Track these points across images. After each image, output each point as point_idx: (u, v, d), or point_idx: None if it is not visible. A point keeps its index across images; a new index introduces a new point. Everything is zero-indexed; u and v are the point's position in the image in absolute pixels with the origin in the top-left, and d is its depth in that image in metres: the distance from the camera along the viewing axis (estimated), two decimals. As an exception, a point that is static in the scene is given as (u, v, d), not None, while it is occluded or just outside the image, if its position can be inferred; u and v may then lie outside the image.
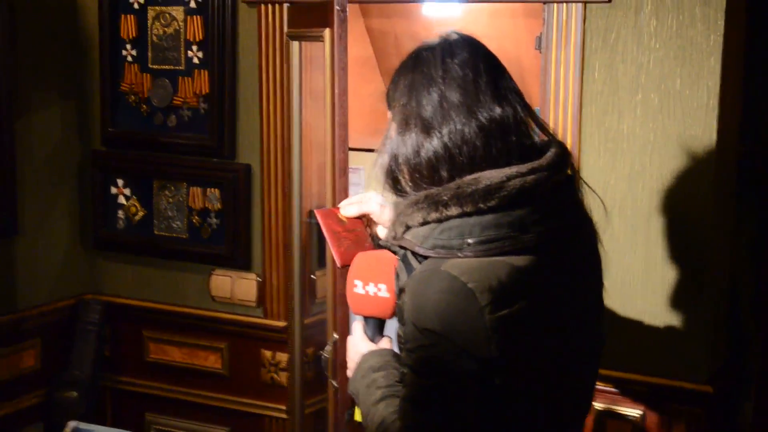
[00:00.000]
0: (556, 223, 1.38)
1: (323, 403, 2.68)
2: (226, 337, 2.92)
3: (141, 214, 3.01)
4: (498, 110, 1.35)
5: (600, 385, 2.27)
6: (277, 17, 2.72)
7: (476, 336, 1.29)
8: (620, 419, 2.35)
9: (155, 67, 2.91)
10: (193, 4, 2.83)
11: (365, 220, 1.73)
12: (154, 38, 2.90)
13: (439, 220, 1.35)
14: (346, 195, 2.25)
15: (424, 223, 1.36)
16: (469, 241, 1.32)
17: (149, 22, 2.90)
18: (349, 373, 1.55)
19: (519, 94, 1.41)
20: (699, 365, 2.27)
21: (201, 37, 2.82)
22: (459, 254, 1.32)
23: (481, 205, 1.32)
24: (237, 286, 2.87)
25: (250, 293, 2.86)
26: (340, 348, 2.19)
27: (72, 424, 2.46)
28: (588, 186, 1.49)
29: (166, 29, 2.88)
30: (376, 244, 1.69)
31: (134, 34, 2.93)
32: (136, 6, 2.91)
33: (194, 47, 2.84)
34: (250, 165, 2.83)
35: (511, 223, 1.33)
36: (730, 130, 2.35)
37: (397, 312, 1.44)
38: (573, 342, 1.42)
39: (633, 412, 2.35)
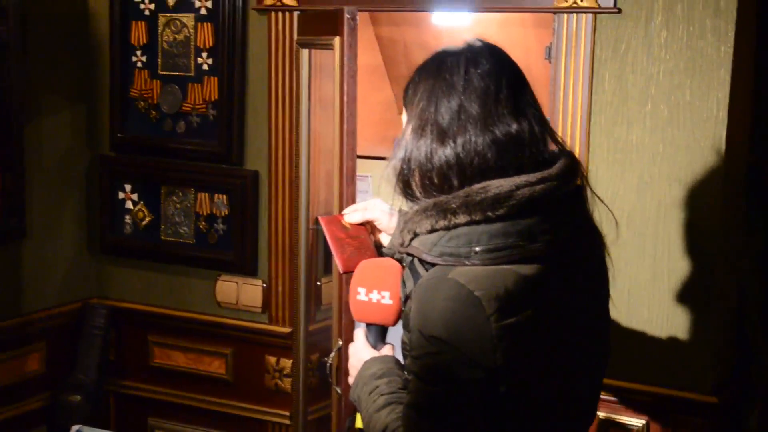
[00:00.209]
0: (565, 233, 1.38)
1: (327, 409, 2.67)
2: (231, 342, 2.92)
3: (148, 219, 3.01)
4: (514, 126, 1.35)
5: (603, 395, 2.25)
6: (287, 25, 2.73)
7: (482, 344, 1.28)
8: (623, 429, 2.34)
9: (165, 73, 2.92)
10: (203, 11, 2.84)
11: (369, 227, 1.73)
12: (165, 45, 2.91)
13: (447, 228, 1.34)
14: (353, 203, 2.25)
15: (432, 230, 1.36)
16: (477, 249, 1.32)
17: (160, 29, 2.91)
18: (351, 380, 1.55)
19: (537, 108, 1.41)
20: (705, 375, 2.26)
21: (211, 44, 2.83)
22: (466, 262, 1.32)
23: (490, 214, 1.32)
24: (243, 292, 2.88)
25: (256, 299, 2.86)
26: (345, 355, 2.19)
27: (76, 428, 2.46)
28: (597, 196, 1.49)
29: (176, 36, 2.89)
30: (380, 251, 1.69)
31: (145, 41, 2.94)
32: (147, 12, 2.93)
33: (204, 54, 2.85)
34: (257, 171, 2.83)
35: (519, 232, 1.33)
36: (740, 142, 2.35)
37: (403, 319, 1.44)
38: (578, 352, 1.42)
39: (636, 422, 2.33)
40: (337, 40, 2.32)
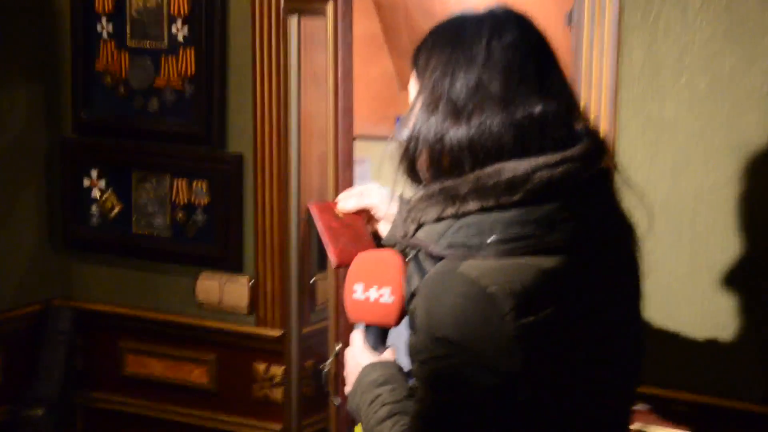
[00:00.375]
0: (589, 222, 1.38)
1: (323, 422, 2.70)
2: (214, 348, 2.93)
3: (118, 209, 3.03)
4: (538, 108, 1.35)
5: (640, 404, 2.27)
6: (274, -12, 2.73)
7: (497, 346, 1.29)
8: (659, 444, 2.36)
9: (134, 44, 2.92)
10: (178, -27, 2.85)
11: (365, 216, 1.74)
12: (134, 12, 2.92)
13: (456, 216, 1.35)
14: (350, 189, 2.26)
15: (439, 219, 1.36)
16: (490, 239, 1.32)
17: (128, -7, 2.92)
18: (348, 387, 1.56)
19: (565, 85, 1.41)
20: (753, 383, 2.27)
21: (186, 11, 2.83)
22: (478, 254, 1.32)
23: (504, 200, 1.32)
24: (226, 291, 2.89)
25: (242, 299, 2.87)
26: (343, 360, 2.20)
27: (39, 445, 2.48)
28: (626, 181, 1.50)
29: (146, 2, 2.90)
30: (378, 242, 1.70)
31: (111, 8, 2.94)
32: (113, -25, 2.94)
33: (179, 22, 2.85)
34: (241, 155, 2.84)
35: (538, 220, 1.33)
36: (787, 118, 2.36)
37: (408, 319, 1.45)
38: (607, 355, 1.42)
39: (674, 435, 2.36)
40: (329, 5, 2.33)
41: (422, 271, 1.40)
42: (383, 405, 1.45)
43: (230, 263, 2.87)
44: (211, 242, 2.89)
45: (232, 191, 2.85)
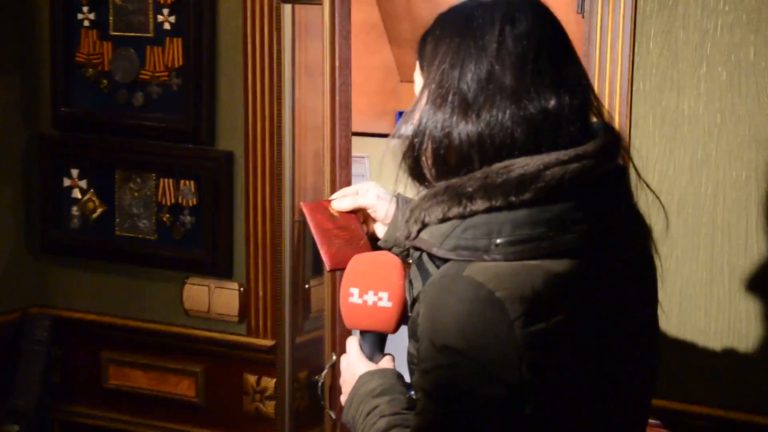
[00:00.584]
0: (603, 223, 1.38)
1: (318, 439, 2.69)
2: (202, 358, 2.93)
3: (100, 211, 3.03)
4: (552, 101, 1.35)
5: (651, 419, 2.27)
6: (266, -26, 2.74)
7: (505, 355, 1.29)
8: (676, 460, 2.36)
9: (118, 34, 2.93)
10: (163, -42, 2.85)
11: (361, 216, 1.74)
12: (117, -1, 2.92)
13: (463, 216, 1.35)
14: (347, 188, 2.25)
15: (444, 219, 1.36)
16: (498, 241, 1.32)
17: (111, -20, 2.92)
18: (344, 398, 1.56)
19: (582, 77, 1.41)
20: (775, 396, 2.27)
21: (173, -2, 2.84)
22: (485, 257, 1.32)
23: (513, 199, 1.32)
24: (215, 298, 2.89)
25: (231, 306, 2.87)
26: (339, 372, 2.20)
27: (14, 463, 2.48)
28: (642, 179, 1.50)
29: (131, -12, 2.90)
30: (374, 244, 1.70)
31: (93, -6, 2.95)
32: (95, -40, 2.94)
33: (165, 11, 2.86)
34: (232, 152, 2.84)
35: (549, 221, 1.33)
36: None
37: (410, 326, 1.45)
38: (620, 365, 1.43)
39: (692, 451, 2.36)
40: (326, -8, 2.33)
41: (425, 275, 1.40)
42: (381, 417, 1.45)
43: (219, 268, 2.87)
44: (199, 246, 2.89)
45: (221, 191, 2.85)
